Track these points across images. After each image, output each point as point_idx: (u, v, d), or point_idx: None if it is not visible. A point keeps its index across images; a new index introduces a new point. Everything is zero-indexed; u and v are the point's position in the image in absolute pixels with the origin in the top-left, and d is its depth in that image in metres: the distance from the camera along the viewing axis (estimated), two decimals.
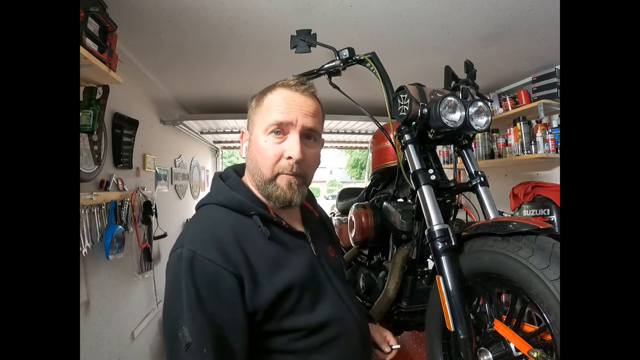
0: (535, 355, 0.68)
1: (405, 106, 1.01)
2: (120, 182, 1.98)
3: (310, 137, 0.75)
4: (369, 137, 3.63)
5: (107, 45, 1.25)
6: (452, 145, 1.15)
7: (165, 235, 2.56)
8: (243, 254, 0.66)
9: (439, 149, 2.59)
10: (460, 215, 2.42)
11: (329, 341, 0.71)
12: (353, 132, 3.69)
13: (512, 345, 0.78)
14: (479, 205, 1.03)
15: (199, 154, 3.96)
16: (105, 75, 1.28)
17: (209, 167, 4.48)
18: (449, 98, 0.95)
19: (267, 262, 0.68)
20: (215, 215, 0.72)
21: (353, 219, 1.49)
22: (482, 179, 1.03)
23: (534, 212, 1.96)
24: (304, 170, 0.74)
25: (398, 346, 0.90)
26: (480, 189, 1.03)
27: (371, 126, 3.38)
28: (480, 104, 0.98)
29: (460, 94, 0.98)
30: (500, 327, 0.81)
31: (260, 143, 0.73)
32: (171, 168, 3.02)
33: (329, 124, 3.32)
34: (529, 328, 0.85)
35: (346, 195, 2.14)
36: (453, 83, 1.09)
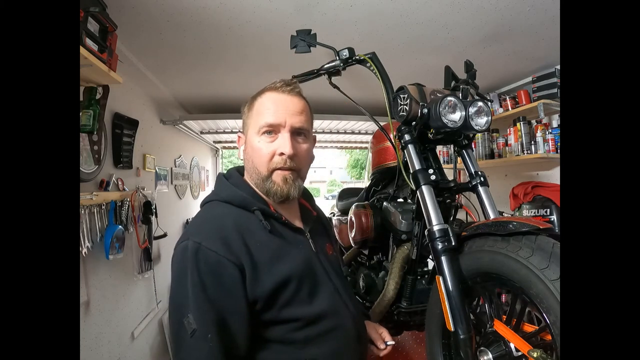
0: (535, 355, 0.68)
1: (405, 106, 1.01)
2: (120, 182, 1.98)
3: (300, 134, 0.80)
4: (369, 137, 3.63)
5: (107, 45, 1.25)
6: (452, 145, 1.15)
7: (165, 235, 2.56)
8: (245, 246, 0.70)
9: (439, 149, 2.58)
10: (460, 215, 2.42)
11: (324, 333, 0.74)
12: (353, 132, 3.69)
13: (512, 345, 0.78)
14: (479, 205, 1.03)
15: (199, 154, 3.95)
16: (105, 75, 1.28)
17: (209, 167, 4.47)
18: (449, 98, 0.95)
19: (268, 254, 0.72)
20: (219, 210, 0.77)
21: (353, 219, 1.49)
22: (482, 179, 1.03)
23: (534, 212, 1.95)
24: (297, 165, 0.79)
25: (393, 342, 0.93)
26: (480, 189, 1.03)
27: (371, 126, 3.38)
28: (480, 104, 0.98)
29: (460, 94, 0.98)
30: (500, 327, 0.81)
31: (254, 144, 0.78)
32: (171, 168, 3.02)
33: (329, 124, 3.31)
34: (529, 328, 0.85)
35: (346, 195, 2.14)
36: (453, 83, 1.09)
